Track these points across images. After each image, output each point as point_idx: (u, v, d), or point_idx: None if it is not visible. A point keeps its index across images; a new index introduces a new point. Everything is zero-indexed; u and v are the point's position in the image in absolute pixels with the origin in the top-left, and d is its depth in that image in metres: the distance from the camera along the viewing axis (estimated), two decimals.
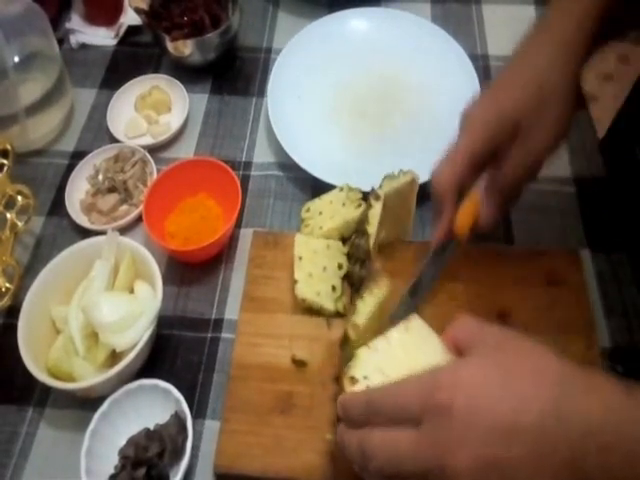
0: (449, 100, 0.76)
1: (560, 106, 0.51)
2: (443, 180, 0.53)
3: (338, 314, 0.60)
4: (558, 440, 0.34)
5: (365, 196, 0.62)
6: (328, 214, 0.64)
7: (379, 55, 0.83)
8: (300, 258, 0.61)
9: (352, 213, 0.63)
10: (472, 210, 0.55)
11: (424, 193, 0.60)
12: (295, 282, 0.60)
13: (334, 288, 0.60)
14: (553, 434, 0.34)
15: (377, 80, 0.81)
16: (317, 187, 0.72)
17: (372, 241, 0.59)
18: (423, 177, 0.66)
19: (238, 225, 0.70)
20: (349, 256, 0.62)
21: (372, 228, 0.59)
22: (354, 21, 0.85)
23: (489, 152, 0.52)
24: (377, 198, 0.58)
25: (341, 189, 0.66)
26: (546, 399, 0.35)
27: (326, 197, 0.66)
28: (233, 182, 0.66)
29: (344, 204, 0.64)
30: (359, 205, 0.63)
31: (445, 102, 0.77)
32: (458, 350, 0.41)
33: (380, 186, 0.59)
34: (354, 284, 0.61)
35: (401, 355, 0.45)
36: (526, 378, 0.36)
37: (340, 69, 0.82)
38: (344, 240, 0.64)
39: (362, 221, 0.60)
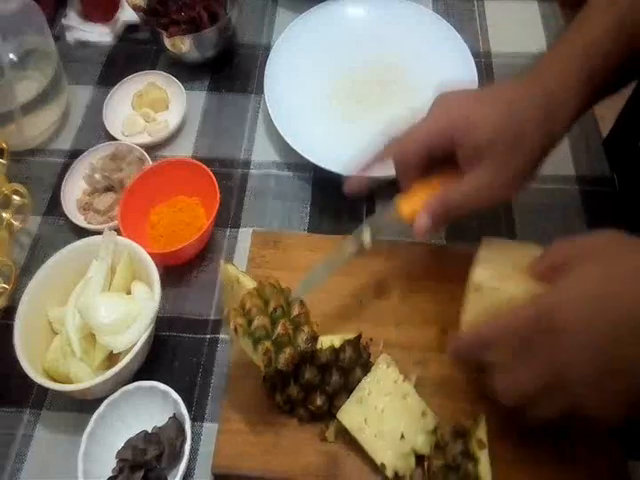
0: (447, 84, 0.75)
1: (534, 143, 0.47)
2: (405, 149, 0.50)
3: None
4: None
5: None
6: None
7: (376, 42, 0.83)
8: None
9: None
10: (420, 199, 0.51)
11: None
12: None
13: None
14: None
15: (375, 67, 0.81)
16: (317, 186, 0.72)
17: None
18: None
19: (237, 225, 0.69)
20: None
21: None
22: (351, 8, 0.85)
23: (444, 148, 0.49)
24: None
25: None
26: None
27: None
28: (211, 182, 0.65)
29: None
30: None
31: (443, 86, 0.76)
32: (554, 273, 0.44)
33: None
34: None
35: None
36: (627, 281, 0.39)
37: (337, 56, 0.82)
38: None
39: None
